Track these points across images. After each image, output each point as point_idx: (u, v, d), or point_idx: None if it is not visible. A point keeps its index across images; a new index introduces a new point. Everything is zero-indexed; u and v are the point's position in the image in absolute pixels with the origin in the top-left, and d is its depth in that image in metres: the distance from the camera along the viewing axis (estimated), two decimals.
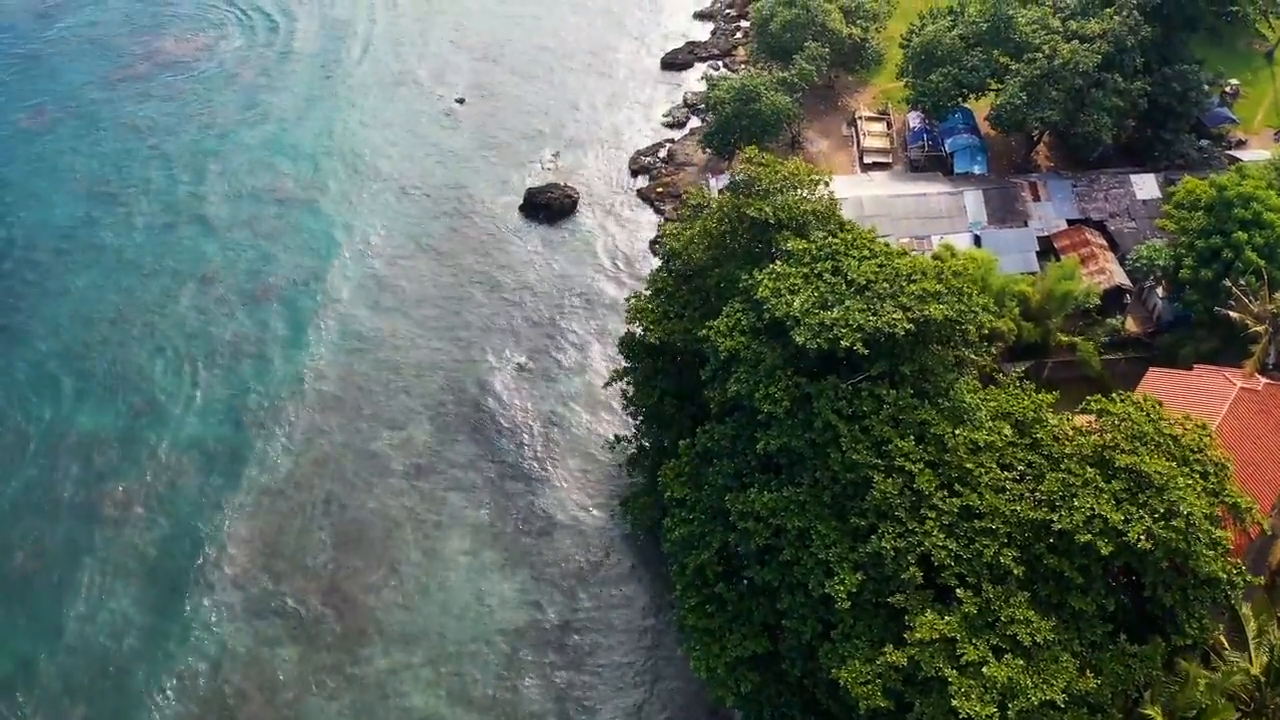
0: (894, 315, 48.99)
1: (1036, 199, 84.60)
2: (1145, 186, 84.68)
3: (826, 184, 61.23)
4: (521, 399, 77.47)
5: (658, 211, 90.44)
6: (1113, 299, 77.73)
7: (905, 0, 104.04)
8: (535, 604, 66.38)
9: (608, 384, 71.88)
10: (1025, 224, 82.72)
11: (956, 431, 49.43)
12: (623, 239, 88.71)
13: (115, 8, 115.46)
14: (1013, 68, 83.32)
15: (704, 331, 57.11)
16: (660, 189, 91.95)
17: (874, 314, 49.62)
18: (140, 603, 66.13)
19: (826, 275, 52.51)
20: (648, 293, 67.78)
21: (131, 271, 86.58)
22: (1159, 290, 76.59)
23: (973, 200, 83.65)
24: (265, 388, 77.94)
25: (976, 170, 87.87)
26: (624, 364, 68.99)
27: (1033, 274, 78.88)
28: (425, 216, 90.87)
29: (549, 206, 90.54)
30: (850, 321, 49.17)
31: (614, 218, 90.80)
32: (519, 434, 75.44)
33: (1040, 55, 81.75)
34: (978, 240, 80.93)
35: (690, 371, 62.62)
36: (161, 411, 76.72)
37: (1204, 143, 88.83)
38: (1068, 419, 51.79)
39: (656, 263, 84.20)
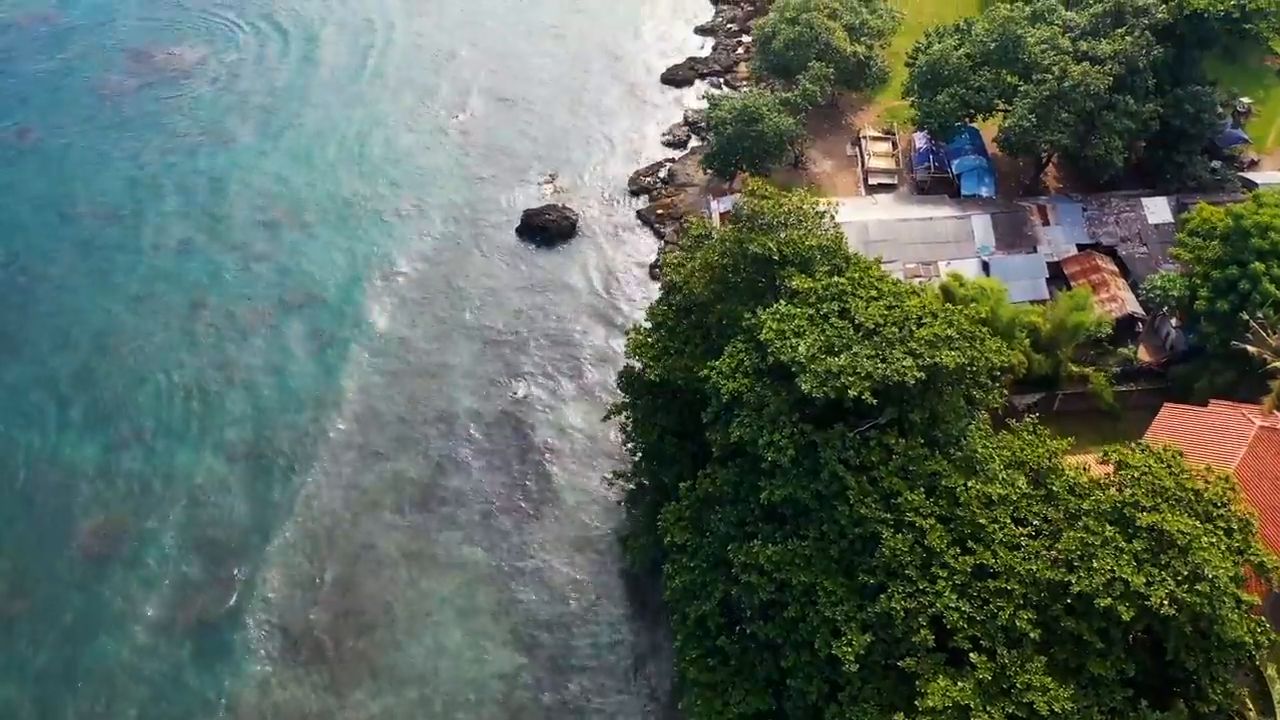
0: (904, 363, 46.97)
1: (1046, 223, 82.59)
2: (1157, 210, 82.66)
3: (832, 217, 59.16)
4: (517, 430, 75.37)
5: (658, 235, 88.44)
6: (1124, 327, 75.75)
7: (910, 14, 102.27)
8: (529, 647, 64.24)
9: (606, 418, 69.84)
10: (1034, 249, 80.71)
11: (969, 484, 47.43)
12: (622, 263, 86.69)
13: (105, 20, 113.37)
14: (1021, 89, 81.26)
15: (705, 372, 55.15)
16: (661, 210, 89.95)
17: (883, 360, 47.61)
18: (123, 644, 63.94)
19: (833, 318, 50.45)
20: (647, 325, 65.76)
21: (119, 295, 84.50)
22: (1172, 319, 74.51)
23: (980, 225, 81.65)
24: (253, 419, 75.81)
25: (984, 193, 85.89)
26: (623, 398, 66.97)
27: (1043, 302, 76.98)
28: (420, 240, 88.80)
29: (546, 229, 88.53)
30: (858, 369, 47.14)
31: (613, 241, 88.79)
32: (514, 467, 73.36)
33: (1050, 76, 79.68)
34: (986, 267, 78.94)
35: (691, 410, 60.53)
36: (147, 442, 74.63)
37: (1216, 164, 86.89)
38: (1085, 470, 49.68)
39: (656, 288, 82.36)
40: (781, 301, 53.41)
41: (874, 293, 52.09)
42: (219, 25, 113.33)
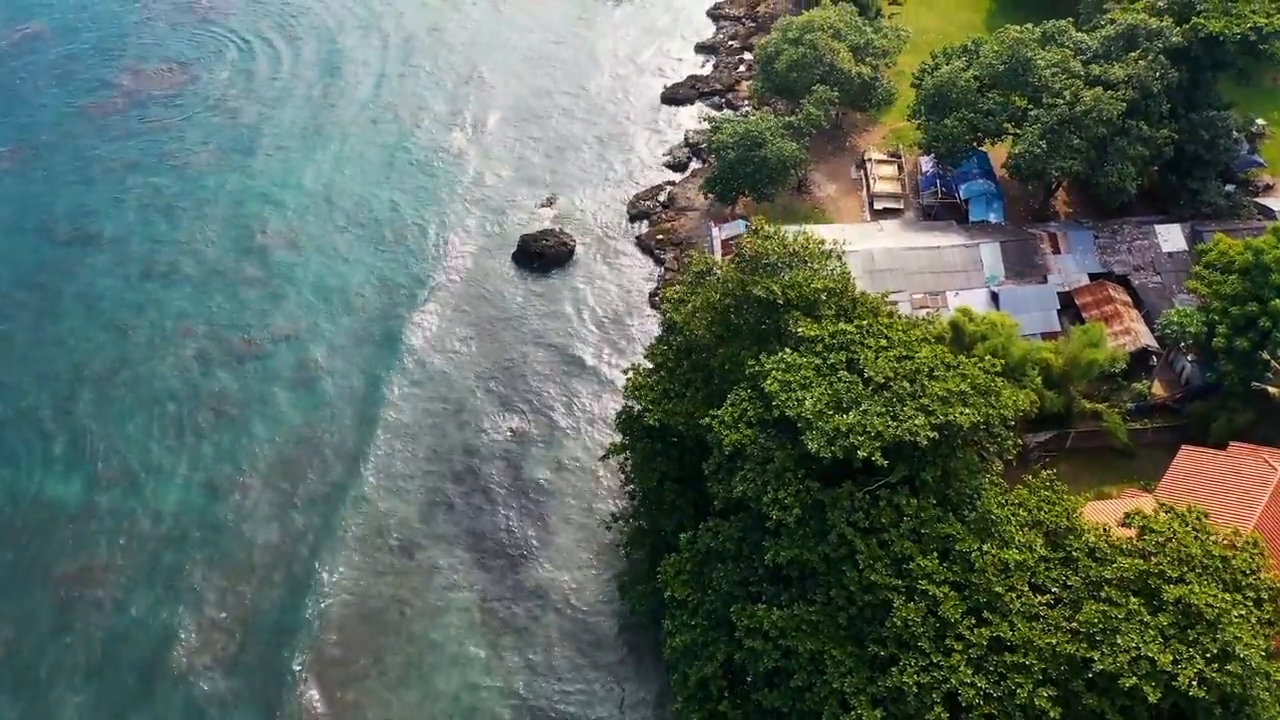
0: (916, 421, 44.76)
1: (1056, 251, 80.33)
2: (1171, 238, 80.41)
3: (839, 258, 56.91)
4: (513, 467, 73.11)
5: (657, 261, 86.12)
6: (1138, 361, 73.50)
7: (915, 33, 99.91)
8: (524, 696, 61.96)
9: (605, 457, 67.68)
10: (1045, 279, 78.44)
11: (984, 548, 45.19)
12: (620, 292, 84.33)
13: (94, 36, 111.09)
14: (1032, 113, 79.00)
15: (707, 420, 52.99)
16: (660, 236, 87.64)
17: (893, 418, 45.36)
18: (102, 697, 61.71)
19: (841, 370, 48.18)
20: (647, 364, 63.61)
21: (103, 324, 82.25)
22: (1189, 354, 72.26)
23: (989, 253, 79.38)
24: (242, 455, 73.55)
25: (992, 218, 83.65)
26: (622, 438, 64.70)
27: (1054, 335, 74.76)
28: (415, 267, 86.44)
29: (543, 255, 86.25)
30: (868, 428, 44.91)
31: (611, 267, 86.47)
32: (510, 506, 71.12)
33: (1061, 101, 77.43)
34: (995, 298, 76.66)
35: (693, 455, 58.44)
36: (134, 481, 72.36)
37: (1230, 188, 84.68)
38: (1105, 532, 47.33)
39: (656, 319, 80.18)
40: (786, 349, 51.21)
41: (883, 341, 49.87)
42: (213, 41, 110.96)
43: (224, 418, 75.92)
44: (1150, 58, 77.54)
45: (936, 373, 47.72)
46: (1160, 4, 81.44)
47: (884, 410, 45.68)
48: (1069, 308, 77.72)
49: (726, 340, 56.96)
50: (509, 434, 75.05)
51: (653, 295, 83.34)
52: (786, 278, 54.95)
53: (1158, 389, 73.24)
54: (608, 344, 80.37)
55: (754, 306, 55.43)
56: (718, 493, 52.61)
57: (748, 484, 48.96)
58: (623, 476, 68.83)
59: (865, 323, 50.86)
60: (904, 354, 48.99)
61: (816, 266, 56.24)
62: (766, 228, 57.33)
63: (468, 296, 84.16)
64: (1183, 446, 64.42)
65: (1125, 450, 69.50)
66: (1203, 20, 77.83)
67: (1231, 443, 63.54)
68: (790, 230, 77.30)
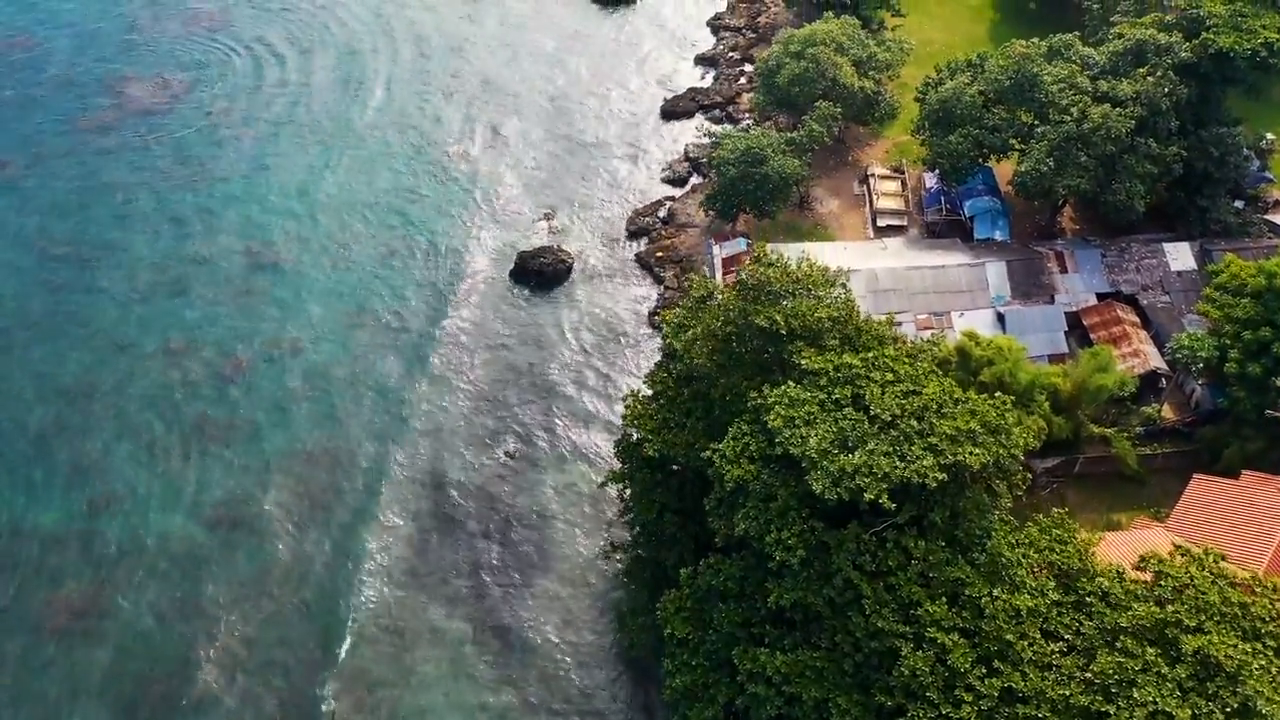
0: (924, 462, 43.33)
1: (1063, 270, 78.87)
2: (1180, 256, 78.99)
3: (844, 286, 55.46)
4: (508, 493, 71.73)
5: (657, 280, 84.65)
6: (1147, 383, 72.05)
7: (919, 44, 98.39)
8: None
9: (603, 484, 66.23)
10: (1051, 299, 77.00)
11: (995, 592, 43.74)
12: (619, 312, 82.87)
13: (86, 46, 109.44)
14: (1038, 130, 77.55)
15: (708, 454, 51.60)
16: (660, 253, 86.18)
17: (900, 458, 43.92)
18: None
19: (846, 406, 46.72)
20: (646, 391, 62.16)
21: (95, 343, 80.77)
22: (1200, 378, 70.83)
23: (995, 273, 77.94)
24: (232, 480, 72.10)
25: (998, 236, 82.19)
26: (620, 466, 63.27)
27: (1061, 357, 73.37)
28: (411, 284, 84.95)
29: (541, 273, 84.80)
30: (874, 469, 43.47)
31: (610, 286, 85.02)
32: (505, 533, 69.71)
33: (1068, 118, 75.98)
34: (1001, 319, 75.19)
35: (693, 487, 57.04)
36: (123, 506, 70.89)
37: (1239, 204, 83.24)
38: (1119, 575, 45.86)
39: (655, 339, 78.80)
40: (790, 383, 49.75)
41: (889, 375, 48.42)
42: (211, 52, 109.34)
43: (218, 439, 74.50)
44: (1159, 74, 76.11)
45: (945, 409, 46.26)
46: (1169, 18, 80.00)
47: (891, 450, 44.26)
48: (1076, 328, 76.33)
49: (727, 369, 55.50)
50: (505, 457, 73.66)
51: (652, 314, 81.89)
52: (789, 306, 53.45)
53: (1167, 412, 71.85)
54: (606, 365, 78.94)
55: (756, 336, 53.97)
56: (719, 529, 51.23)
57: (750, 522, 47.60)
58: (621, 503, 67.52)
59: (871, 355, 49.38)
60: (911, 389, 47.54)
61: (820, 294, 54.71)
62: (769, 254, 55.75)
63: (465, 315, 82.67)
64: (1194, 475, 63.09)
65: (1135, 476, 68.07)
66: (1213, 36, 76.44)
67: (1244, 471, 62.24)
68: (792, 256, 76.69)
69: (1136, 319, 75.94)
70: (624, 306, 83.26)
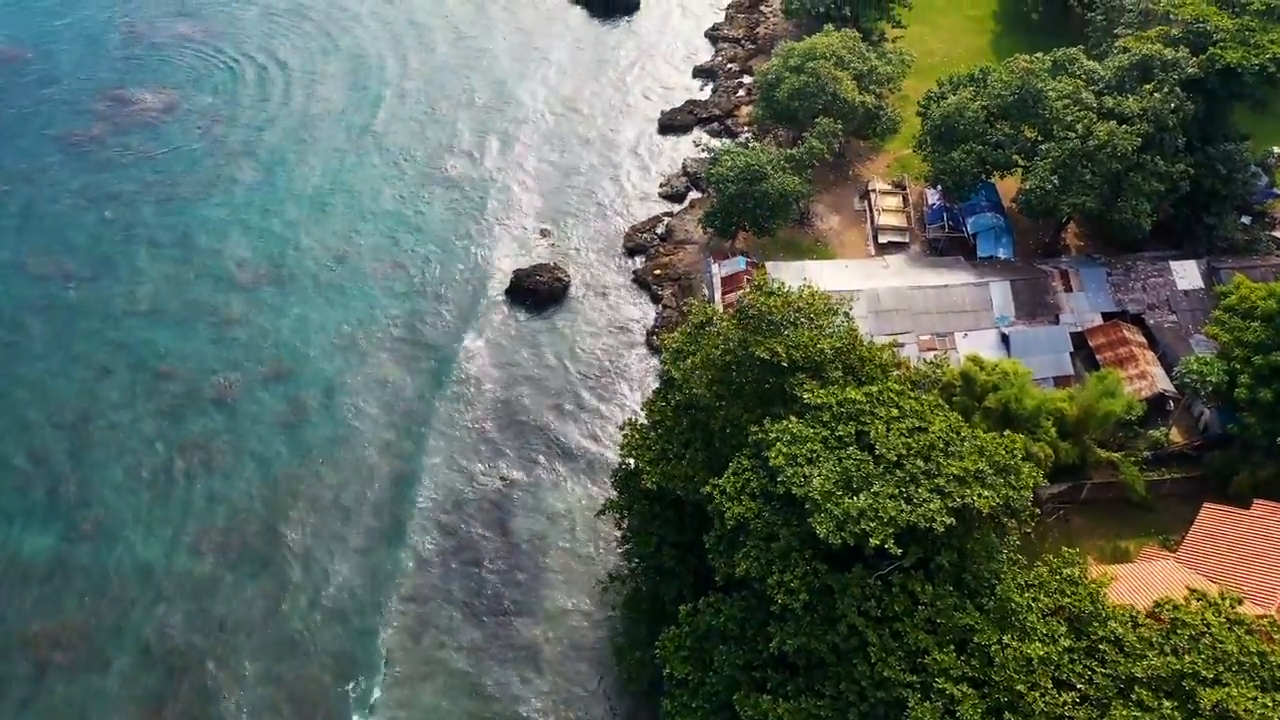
0: (931, 505, 41.95)
1: (1068, 289, 77.58)
2: (1187, 275, 77.70)
3: (847, 315, 54.09)
4: (504, 519, 70.30)
5: (654, 299, 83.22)
6: (1154, 405, 70.69)
7: (919, 56, 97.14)
8: None
9: (600, 513, 64.82)
10: (1056, 319, 75.71)
11: (1004, 639, 42.33)
12: (616, 332, 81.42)
13: (75, 60, 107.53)
14: (1043, 147, 76.21)
15: (708, 489, 50.26)
16: (658, 271, 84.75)
17: (907, 500, 42.53)
18: None
19: (850, 445, 45.33)
20: (644, 420, 60.70)
21: (81, 366, 79.09)
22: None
23: (999, 293, 76.62)
24: (223, 508, 70.60)
25: (1001, 254, 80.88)
26: (618, 496, 61.85)
27: (1067, 379, 72.11)
28: (404, 305, 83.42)
29: (537, 292, 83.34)
30: (880, 512, 42.08)
31: (607, 305, 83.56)
32: (501, 560, 68.30)
33: (1073, 135, 74.65)
34: (1006, 340, 73.88)
35: (693, 520, 55.64)
36: (109, 535, 69.36)
37: (1245, 219, 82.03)
38: (1132, 620, 44.47)
39: (653, 361, 77.41)
40: (792, 418, 48.37)
41: (894, 411, 47.03)
42: (199, 63, 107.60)
43: (205, 466, 72.96)
44: (1165, 90, 74.76)
45: (952, 448, 44.90)
46: (1175, 32, 78.68)
47: (897, 492, 42.88)
48: (1081, 348, 75.02)
49: (727, 400, 54.16)
50: (501, 482, 72.26)
51: (650, 334, 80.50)
52: (790, 336, 52.07)
53: (1175, 435, 70.54)
54: (603, 388, 77.53)
55: (756, 366, 52.59)
56: (719, 567, 49.83)
57: (750, 562, 46.27)
58: (619, 531, 66.18)
59: (875, 390, 47.99)
60: (917, 425, 46.17)
61: (822, 324, 53.34)
62: (769, 282, 54.35)
63: (458, 337, 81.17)
64: (1205, 504, 61.89)
65: (1142, 502, 66.74)
66: (1220, 51, 75.22)
67: (1256, 500, 60.99)
68: (792, 279, 75.34)
69: (1143, 339, 74.67)
70: (621, 326, 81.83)
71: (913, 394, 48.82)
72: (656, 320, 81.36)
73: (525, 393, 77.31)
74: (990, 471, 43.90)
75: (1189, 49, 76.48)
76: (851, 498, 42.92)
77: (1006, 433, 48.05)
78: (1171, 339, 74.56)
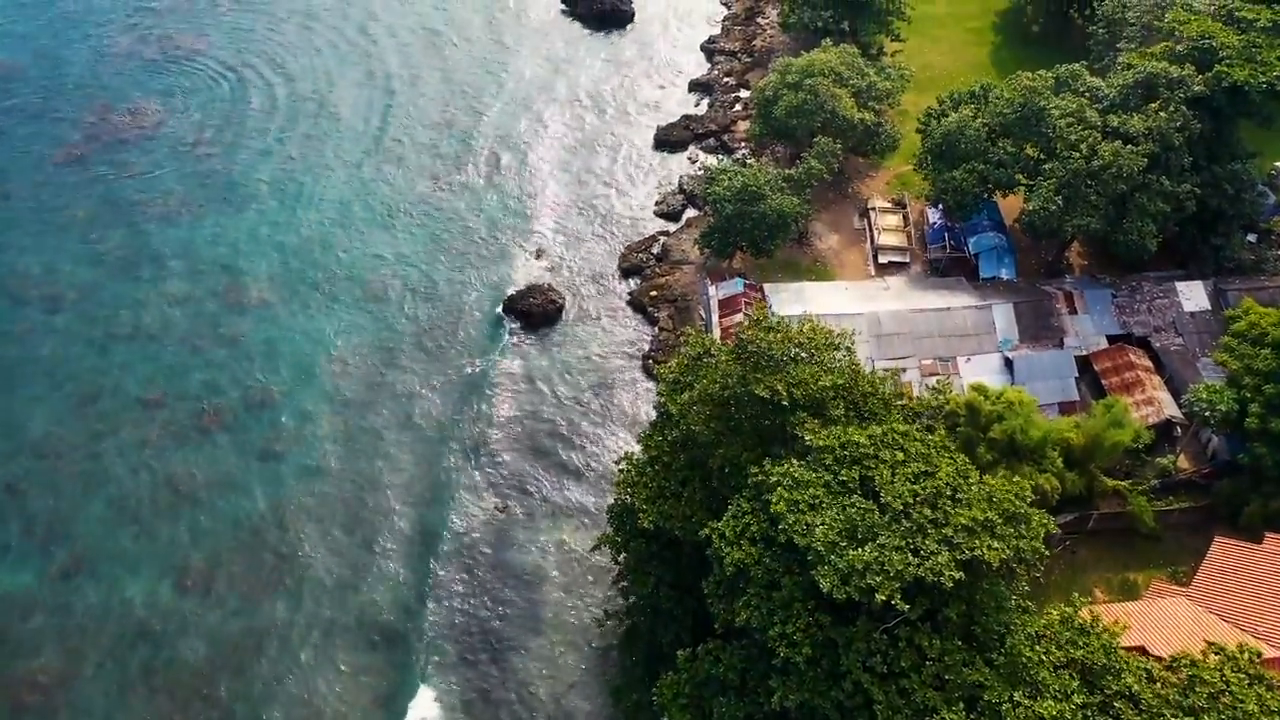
0: (939, 559, 40.30)
1: (1072, 311, 75.98)
2: (1193, 296, 76.13)
3: (849, 350, 52.48)
4: (498, 550, 68.70)
5: (650, 321, 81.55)
6: (1161, 432, 69.14)
7: (918, 70, 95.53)
8: None
9: (596, 548, 63.08)
10: (1061, 343, 74.07)
11: (1015, 696, 40.72)
12: (611, 356, 79.75)
13: (58, 74, 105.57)
14: (1046, 167, 74.64)
15: (706, 531, 48.67)
16: (654, 292, 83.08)
17: (914, 552, 40.90)
18: None
19: (854, 492, 43.71)
20: (640, 453, 59.00)
21: (64, 394, 77.48)
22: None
23: (1002, 315, 75.00)
24: (207, 541, 68.94)
25: (1004, 274, 79.28)
26: (614, 532, 60.16)
27: (1072, 404, 70.52)
28: (393, 327, 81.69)
29: (530, 314, 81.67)
30: (887, 566, 40.43)
31: (602, 328, 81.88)
32: (494, 594, 66.71)
33: (1077, 154, 73.08)
34: (1009, 364, 72.26)
35: (692, 560, 54.01)
36: (92, 571, 67.62)
37: (1252, 237, 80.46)
38: (1147, 673, 42.89)
39: (649, 386, 75.77)
40: (793, 460, 46.75)
41: (899, 455, 45.39)
42: (188, 76, 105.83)
43: (191, 499, 71.34)
44: (1171, 109, 73.21)
45: (960, 494, 43.27)
46: (1180, 49, 77.08)
47: (903, 543, 41.22)
48: (1086, 371, 73.42)
49: (726, 437, 52.47)
50: (494, 514, 70.62)
51: (646, 358, 78.85)
52: (791, 372, 50.45)
53: (1183, 462, 68.97)
54: (598, 414, 75.87)
55: (756, 403, 50.94)
56: (719, 613, 48.21)
57: (751, 612, 44.70)
58: (615, 567, 64.55)
59: (879, 432, 46.35)
60: (923, 470, 44.54)
61: (823, 359, 51.73)
62: (768, 317, 52.73)
63: (450, 361, 79.47)
64: (1216, 538, 60.28)
65: (1151, 533, 65.20)
66: (1226, 69, 73.59)
67: (1269, 534, 59.36)
68: (792, 303, 74.28)
69: (1149, 363, 73.08)
70: (616, 350, 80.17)
71: (918, 435, 47.14)
72: (652, 344, 79.74)
73: (518, 419, 75.64)
74: (1000, 521, 42.27)
75: (1194, 66, 74.89)
76: (856, 549, 41.28)
77: (1016, 479, 46.37)
78: (1178, 363, 72.96)
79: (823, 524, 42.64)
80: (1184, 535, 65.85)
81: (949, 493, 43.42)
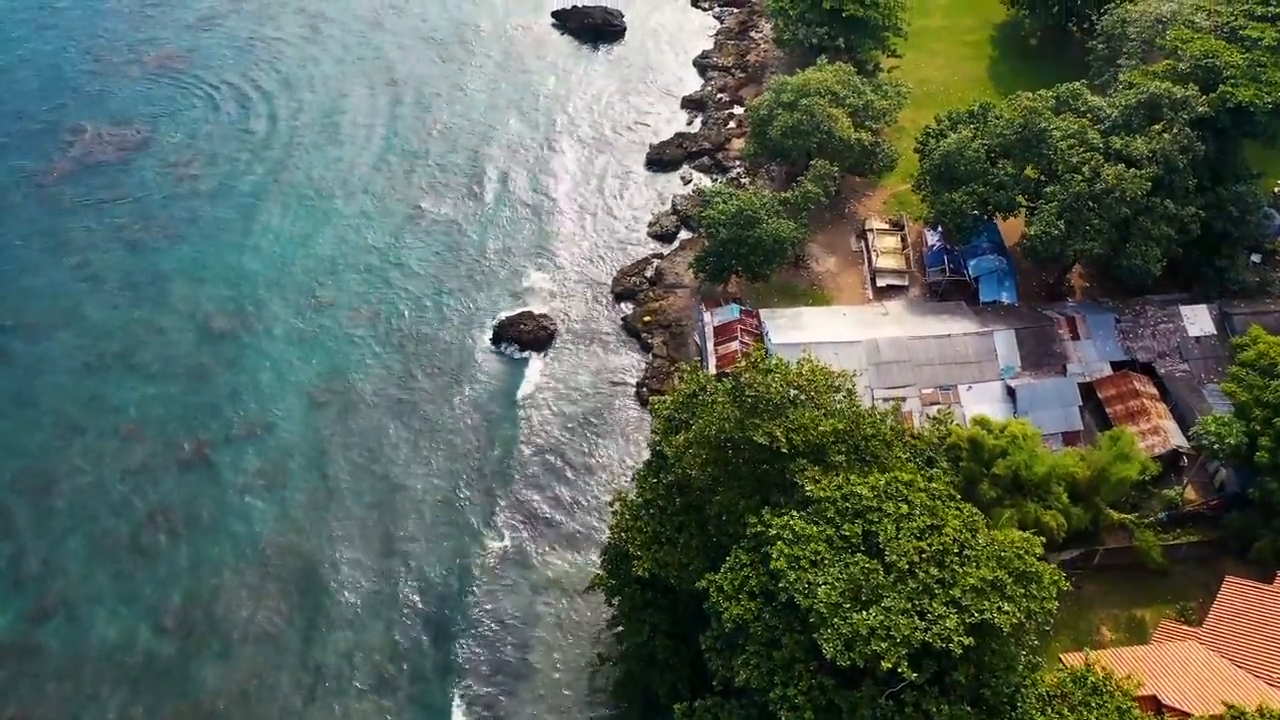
0: (947, 623, 38.61)
1: (1075, 337, 74.43)
2: (1198, 320, 74.64)
3: (849, 392, 50.80)
4: (488, 590, 66.88)
5: (644, 347, 79.79)
6: (1167, 461, 67.55)
7: (915, 86, 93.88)
8: None
9: (589, 588, 61.50)
10: (1064, 369, 72.51)
11: None
12: (603, 384, 78.01)
13: (37, 92, 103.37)
14: (1047, 190, 73.05)
15: (704, 584, 46.98)
16: (648, 317, 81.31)
17: (920, 615, 39.21)
18: None
19: (858, 549, 42.02)
20: (634, 496, 57.17)
21: (44, 425, 75.58)
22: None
23: (1004, 342, 73.43)
24: (191, 580, 67.10)
25: (1005, 298, 77.68)
26: (607, 576, 58.37)
27: (1076, 433, 69.01)
28: (380, 356, 79.76)
29: (521, 341, 79.89)
30: (892, 630, 38.73)
31: (595, 354, 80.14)
32: (484, 635, 64.95)
33: (1079, 176, 71.50)
34: (1011, 393, 70.66)
35: (688, 609, 52.29)
36: (73, 611, 65.68)
37: (1256, 258, 78.98)
38: None
39: (643, 413, 74.06)
40: (793, 512, 45.06)
41: (904, 507, 43.69)
42: (171, 95, 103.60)
43: (174, 535, 69.49)
44: (1175, 130, 71.65)
45: (968, 551, 41.57)
46: (1182, 67, 75.54)
47: (909, 606, 39.54)
48: (1089, 397, 71.85)
49: (724, 482, 50.72)
50: (484, 550, 68.75)
51: (639, 386, 77.11)
52: (791, 416, 48.73)
53: (1190, 493, 67.41)
54: (591, 445, 74.10)
55: (754, 449, 49.23)
56: (717, 669, 46.49)
57: (751, 671, 43.01)
58: (610, 606, 62.72)
59: (882, 483, 44.64)
60: (929, 524, 42.83)
61: (823, 401, 50.05)
62: (766, 359, 51.04)
63: (439, 391, 77.62)
64: (1227, 577, 58.76)
65: (1158, 568, 63.67)
66: (1231, 89, 72.12)
67: None
68: (789, 328, 72.62)
69: (1154, 390, 71.56)
70: (609, 377, 78.43)
71: (922, 483, 45.44)
72: (646, 371, 78.00)
73: (510, 451, 73.84)
74: (1010, 580, 40.59)
75: (1198, 86, 73.36)
76: (861, 612, 39.58)
77: (1026, 534, 44.62)
78: (1184, 390, 71.45)
79: (825, 584, 40.99)
80: (1192, 568, 64.48)
81: (956, 549, 41.76)
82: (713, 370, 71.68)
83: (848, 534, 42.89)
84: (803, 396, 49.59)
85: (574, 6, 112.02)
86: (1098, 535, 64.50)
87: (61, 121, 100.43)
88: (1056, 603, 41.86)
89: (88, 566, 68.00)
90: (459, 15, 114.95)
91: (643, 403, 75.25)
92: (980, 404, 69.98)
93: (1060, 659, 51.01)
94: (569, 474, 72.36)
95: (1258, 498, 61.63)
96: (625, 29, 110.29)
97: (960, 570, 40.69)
